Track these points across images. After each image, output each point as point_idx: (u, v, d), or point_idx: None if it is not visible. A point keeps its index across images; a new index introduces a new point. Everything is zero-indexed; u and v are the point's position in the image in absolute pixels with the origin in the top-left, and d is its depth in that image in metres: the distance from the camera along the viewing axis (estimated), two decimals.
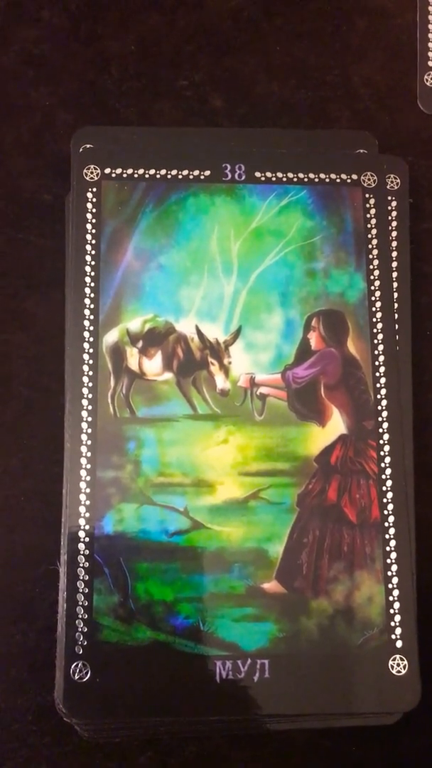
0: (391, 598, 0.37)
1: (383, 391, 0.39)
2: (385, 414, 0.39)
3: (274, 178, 0.41)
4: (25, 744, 0.37)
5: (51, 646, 0.36)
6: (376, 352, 0.39)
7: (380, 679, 0.36)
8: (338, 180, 0.41)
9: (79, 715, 0.35)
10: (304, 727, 0.38)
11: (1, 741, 0.37)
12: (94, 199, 0.40)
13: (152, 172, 0.40)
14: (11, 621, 0.38)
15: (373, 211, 0.41)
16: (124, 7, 0.45)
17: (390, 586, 0.37)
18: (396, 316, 0.40)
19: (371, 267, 0.40)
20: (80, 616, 0.35)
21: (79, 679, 0.35)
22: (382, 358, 0.39)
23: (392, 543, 0.37)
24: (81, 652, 0.35)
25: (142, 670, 0.35)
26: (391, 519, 0.37)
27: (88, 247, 0.39)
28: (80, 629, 0.35)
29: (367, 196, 0.41)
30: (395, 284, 0.40)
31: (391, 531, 0.37)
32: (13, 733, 0.37)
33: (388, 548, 0.37)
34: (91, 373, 0.38)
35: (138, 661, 0.35)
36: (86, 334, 0.38)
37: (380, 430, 0.38)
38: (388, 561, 0.37)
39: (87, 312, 0.38)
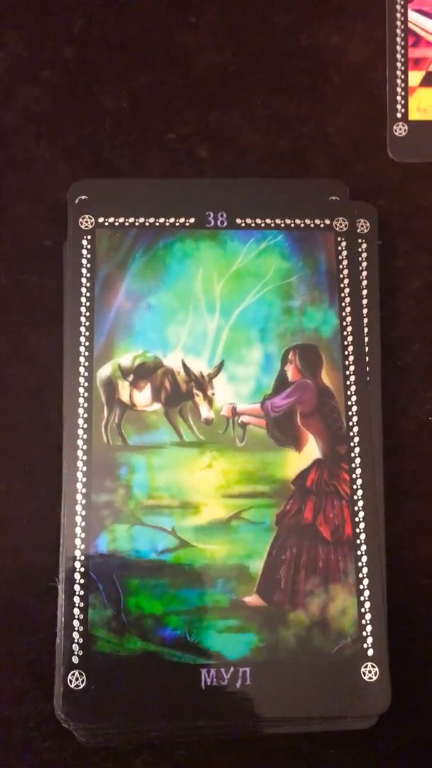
0: (363, 610, 0.39)
1: (355, 419, 0.41)
2: (356, 440, 0.41)
3: (253, 224, 0.43)
4: (27, 749, 0.39)
5: (51, 656, 0.38)
6: (348, 383, 0.42)
7: (353, 684, 0.38)
8: (312, 225, 0.44)
9: (76, 720, 0.37)
10: (286, 731, 0.40)
11: (4, 746, 0.39)
12: (89, 246, 0.42)
13: (142, 220, 0.43)
14: (15, 633, 0.40)
15: (344, 253, 0.43)
16: (118, 66, 0.48)
17: (362, 598, 0.39)
18: (367, 348, 0.42)
19: (343, 304, 0.43)
20: (77, 629, 0.38)
21: (76, 687, 0.37)
22: (353, 388, 0.42)
23: (364, 559, 0.39)
24: (77, 661, 0.37)
25: (134, 678, 0.37)
26: (363, 536, 0.40)
27: (83, 290, 0.42)
28: (77, 641, 0.37)
29: (339, 239, 0.43)
30: (366, 319, 0.43)
31: (363, 548, 0.39)
32: (15, 739, 0.40)
33: (360, 563, 0.39)
34: (86, 404, 0.40)
35: (130, 669, 0.37)
36: (81, 369, 0.41)
37: (352, 455, 0.41)
38: (360, 575, 0.39)
39: (82, 349, 0.41)
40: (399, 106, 0.48)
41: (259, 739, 0.40)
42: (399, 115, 0.48)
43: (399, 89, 0.49)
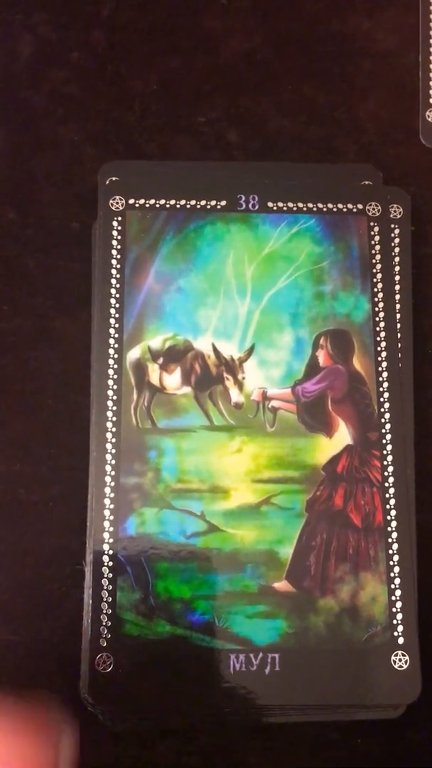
0: (393, 598, 0.38)
1: (386, 405, 0.41)
2: (388, 426, 0.41)
3: (285, 208, 0.43)
4: None
5: (76, 640, 0.38)
6: (379, 369, 0.41)
7: (383, 673, 0.37)
8: (345, 209, 0.43)
9: (103, 703, 0.37)
10: (313, 719, 0.39)
11: None
12: (119, 227, 0.42)
13: (173, 202, 0.43)
14: (40, 617, 0.40)
15: (377, 238, 0.43)
16: (147, 50, 0.48)
17: (392, 586, 0.38)
18: (399, 335, 0.42)
19: (375, 290, 0.42)
20: (104, 612, 0.37)
21: (103, 670, 0.37)
22: (385, 374, 0.41)
23: (395, 546, 0.39)
24: (105, 644, 0.37)
25: (161, 662, 0.37)
26: (394, 524, 0.39)
27: (113, 272, 0.41)
28: (104, 623, 0.37)
29: (371, 224, 0.43)
30: (398, 305, 0.42)
31: (394, 535, 0.39)
32: None
33: (390, 551, 0.39)
34: (115, 387, 0.40)
35: (158, 653, 0.37)
36: (111, 351, 0.40)
37: (383, 441, 0.40)
38: (391, 563, 0.39)
39: (112, 331, 0.41)
40: None
41: (285, 727, 0.40)
42: None
43: None
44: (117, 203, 0.43)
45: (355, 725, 0.40)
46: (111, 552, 0.38)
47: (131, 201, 0.43)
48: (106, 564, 0.38)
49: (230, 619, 0.38)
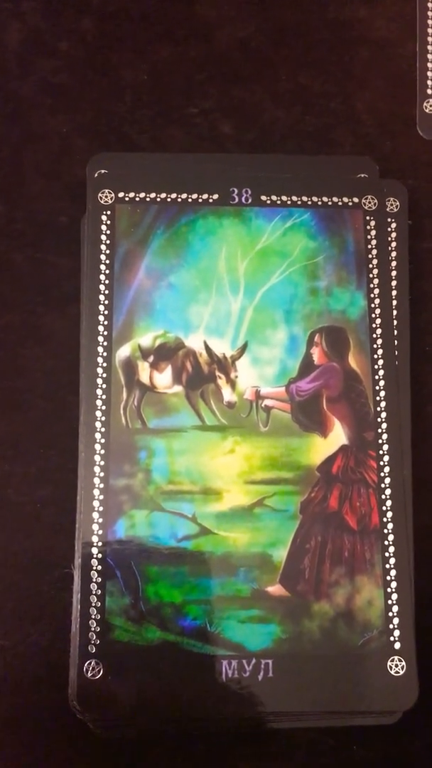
0: (390, 602, 0.38)
1: (383, 404, 0.40)
2: (384, 426, 0.40)
3: (279, 202, 0.42)
4: (41, 740, 0.38)
5: (65, 645, 0.37)
6: (376, 367, 0.40)
7: (379, 679, 0.37)
8: (340, 203, 0.42)
9: (92, 711, 0.36)
10: (307, 726, 0.39)
11: (17, 737, 0.39)
12: (109, 222, 0.41)
13: (163, 195, 0.42)
14: (28, 621, 0.39)
15: (373, 232, 0.42)
16: (138, 38, 0.47)
17: (389, 590, 0.38)
18: (396, 332, 0.41)
19: (371, 285, 0.41)
20: (93, 617, 0.37)
21: (92, 677, 0.36)
22: (381, 372, 0.40)
23: (391, 549, 0.38)
24: (94, 650, 0.36)
25: (152, 669, 0.36)
26: (390, 526, 0.38)
27: (103, 267, 0.41)
28: (93, 629, 0.36)
29: (367, 218, 0.42)
30: (395, 302, 0.42)
31: (390, 537, 0.38)
32: (29, 730, 0.39)
33: (387, 554, 0.38)
34: (104, 386, 0.39)
35: (148, 659, 0.36)
36: (100, 349, 0.40)
37: (380, 441, 0.40)
38: (387, 566, 0.38)
39: (101, 328, 0.40)
40: (429, 82, 0.47)
41: (280, 733, 0.39)
42: (429, 92, 0.47)
43: (429, 65, 0.47)
44: (106, 197, 0.42)
45: (351, 732, 0.39)
46: (100, 555, 0.37)
47: (121, 194, 0.42)
48: (95, 568, 0.37)
49: (222, 625, 0.37)
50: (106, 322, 0.40)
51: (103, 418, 0.39)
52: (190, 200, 0.42)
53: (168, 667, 0.36)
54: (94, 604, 0.37)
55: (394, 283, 0.42)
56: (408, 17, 0.48)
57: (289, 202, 0.42)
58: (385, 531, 0.39)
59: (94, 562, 0.37)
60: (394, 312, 0.42)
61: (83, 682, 0.36)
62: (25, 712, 0.39)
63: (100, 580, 0.37)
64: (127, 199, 0.42)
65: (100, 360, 0.40)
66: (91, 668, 0.36)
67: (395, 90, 0.47)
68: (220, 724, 0.38)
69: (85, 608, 0.37)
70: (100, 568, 0.37)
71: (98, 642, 0.36)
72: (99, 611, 0.37)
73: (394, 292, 0.42)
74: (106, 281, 0.41)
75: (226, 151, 0.45)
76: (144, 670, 0.36)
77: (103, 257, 0.41)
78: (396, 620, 0.38)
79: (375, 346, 0.41)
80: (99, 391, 0.39)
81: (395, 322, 0.42)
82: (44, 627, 0.39)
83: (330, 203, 0.43)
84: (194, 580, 0.37)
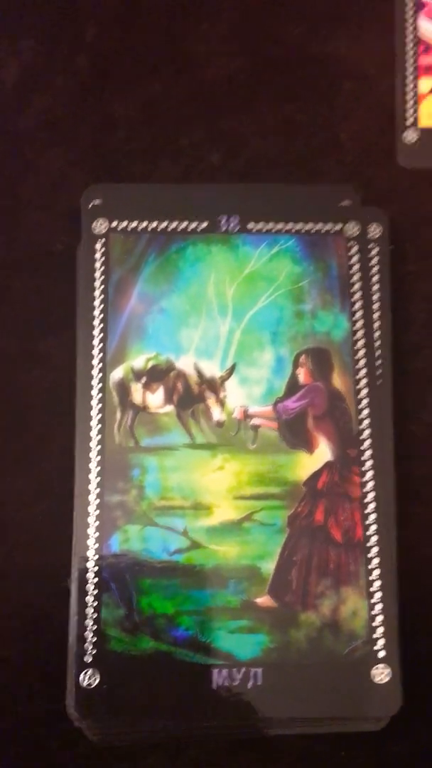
0: (374, 612, 0.39)
1: (366, 422, 0.41)
2: (367, 442, 0.41)
3: (265, 229, 0.44)
4: (38, 748, 0.40)
5: (62, 656, 0.38)
6: (358, 386, 0.42)
7: (364, 686, 0.38)
8: (324, 230, 0.44)
9: (89, 719, 0.37)
10: (297, 732, 0.40)
11: (15, 745, 0.40)
12: (102, 250, 0.43)
13: (155, 224, 0.43)
14: (25, 633, 0.40)
15: (356, 257, 0.43)
16: (130, 74, 0.48)
17: (373, 600, 0.39)
18: (378, 352, 0.42)
19: (354, 308, 0.43)
20: (89, 628, 0.38)
21: (89, 685, 0.37)
22: (364, 391, 0.42)
23: (375, 561, 0.39)
24: (90, 660, 0.37)
25: (146, 677, 0.37)
26: (374, 539, 0.40)
27: (97, 293, 0.42)
28: (89, 639, 0.38)
29: (350, 244, 0.44)
30: (377, 323, 0.43)
31: (374, 550, 0.39)
32: (26, 738, 0.40)
33: (371, 566, 0.39)
34: (99, 406, 0.41)
35: (142, 668, 0.37)
36: (95, 371, 0.41)
37: (363, 458, 0.41)
38: (371, 577, 0.39)
39: (96, 351, 0.41)
40: (409, 114, 0.49)
41: (270, 740, 0.40)
42: (409, 122, 0.49)
43: (409, 97, 0.49)
44: (100, 226, 0.43)
45: (339, 738, 0.40)
46: (95, 569, 0.39)
47: (114, 224, 0.43)
48: (90, 581, 0.39)
49: (213, 635, 0.38)
50: (100, 346, 0.41)
51: (98, 437, 0.40)
52: (180, 228, 0.43)
53: (161, 676, 0.37)
54: (90, 616, 0.38)
55: (376, 305, 0.43)
56: (387, 53, 0.49)
57: (274, 230, 0.44)
58: (369, 544, 0.40)
59: (90, 575, 0.39)
60: (377, 333, 0.43)
61: (80, 691, 0.37)
62: (23, 722, 0.40)
63: (95, 592, 0.38)
64: (120, 228, 0.43)
65: (94, 382, 0.41)
66: (87, 677, 0.37)
67: (376, 121, 0.48)
68: (212, 732, 0.39)
69: (82, 619, 0.38)
70: (95, 580, 0.38)
71: (94, 652, 0.37)
72: (95, 622, 0.38)
73: (376, 315, 0.43)
74: (101, 306, 0.42)
75: (215, 181, 0.47)
76: (138, 678, 0.37)
77: (97, 284, 0.42)
78: (380, 629, 0.38)
79: (358, 366, 0.42)
80: (94, 412, 0.41)
81: (378, 343, 0.43)
82: (41, 639, 0.40)
83: (314, 230, 0.44)
84: (186, 592, 0.38)
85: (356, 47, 0.50)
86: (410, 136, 0.48)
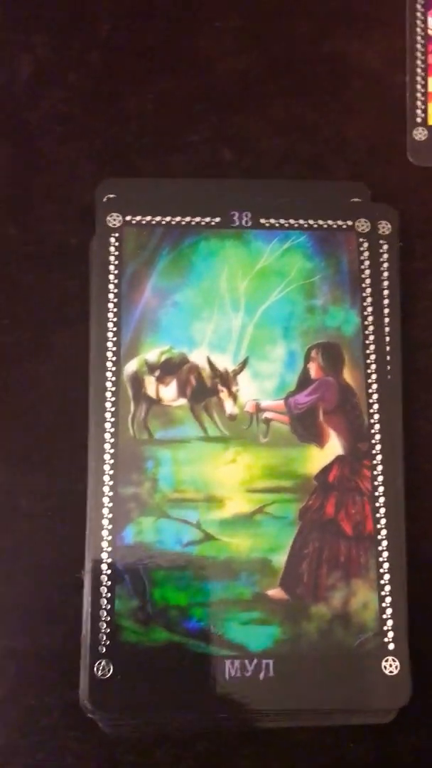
0: (384, 604, 0.39)
1: (376, 416, 0.41)
2: (378, 437, 0.41)
3: (277, 224, 0.44)
4: (53, 738, 0.40)
5: (75, 648, 0.39)
6: (369, 381, 0.42)
7: (374, 678, 0.38)
8: (335, 226, 0.44)
9: (102, 709, 0.37)
10: (306, 725, 0.40)
11: (30, 735, 0.40)
12: (117, 243, 0.43)
13: (168, 219, 0.43)
14: (40, 625, 0.41)
15: (366, 254, 0.44)
16: (142, 70, 0.48)
17: (383, 593, 0.39)
18: (388, 347, 0.43)
19: (365, 304, 0.43)
20: (103, 619, 0.38)
21: (102, 676, 0.37)
22: (375, 386, 0.42)
23: (385, 554, 0.39)
24: (104, 651, 0.37)
25: (159, 668, 0.37)
26: (384, 532, 0.40)
27: (111, 287, 0.42)
28: (103, 630, 0.38)
29: (360, 240, 0.44)
30: (387, 319, 0.43)
31: (384, 543, 0.40)
32: (41, 728, 0.40)
33: (381, 558, 0.39)
34: (113, 399, 0.41)
35: (155, 659, 0.37)
36: (109, 364, 0.41)
37: (374, 452, 0.41)
38: (381, 570, 0.39)
39: (110, 345, 0.41)
40: (419, 111, 0.49)
41: (279, 732, 0.40)
42: (419, 120, 0.49)
43: (419, 94, 0.49)
44: (114, 220, 0.43)
45: (348, 730, 0.41)
46: (109, 561, 0.39)
47: (128, 218, 0.43)
48: (104, 572, 0.39)
49: (225, 626, 0.38)
50: (114, 339, 0.41)
51: (112, 430, 0.40)
52: (193, 223, 0.43)
53: (174, 667, 0.37)
54: (104, 607, 0.38)
55: (386, 301, 0.44)
56: (398, 50, 0.49)
57: (286, 225, 0.44)
58: (379, 537, 0.40)
59: (104, 567, 0.39)
60: (387, 329, 0.43)
61: (94, 682, 0.37)
62: (37, 713, 0.40)
63: (109, 584, 0.38)
64: (134, 222, 0.43)
65: (108, 375, 0.41)
66: (101, 668, 0.37)
67: (386, 118, 0.49)
68: (222, 724, 0.39)
69: (96, 611, 0.38)
70: (109, 572, 0.39)
71: (108, 643, 0.38)
72: (108, 614, 0.38)
73: (386, 310, 0.43)
74: (115, 300, 0.42)
75: (225, 176, 0.47)
76: (151, 669, 0.37)
77: (111, 277, 0.42)
78: (390, 622, 0.39)
79: (368, 361, 0.42)
80: (108, 404, 0.41)
81: (387, 339, 0.43)
82: (55, 630, 0.40)
83: (325, 226, 0.44)
84: (199, 584, 0.39)
85: (366, 45, 0.50)
86: (420, 133, 0.49)
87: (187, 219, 0.44)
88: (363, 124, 0.49)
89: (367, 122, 0.49)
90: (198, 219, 0.44)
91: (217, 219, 0.44)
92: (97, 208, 0.43)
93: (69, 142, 0.47)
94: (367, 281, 0.44)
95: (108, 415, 0.41)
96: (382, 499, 0.40)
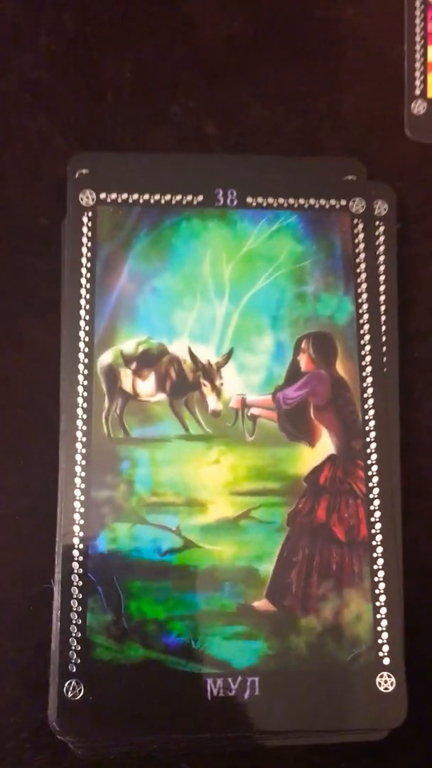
0: (378, 616, 0.37)
1: (371, 412, 0.39)
2: (372, 434, 0.39)
3: (265, 204, 0.41)
4: (19, 762, 0.37)
5: (45, 663, 0.36)
6: (364, 374, 0.40)
7: (368, 695, 0.36)
8: (327, 206, 0.42)
9: (72, 733, 0.35)
10: (294, 743, 0.38)
11: None
12: (90, 224, 0.40)
13: (147, 197, 0.41)
14: (6, 638, 0.38)
15: (361, 236, 0.41)
16: (120, 34, 0.46)
17: (378, 603, 0.37)
18: (384, 338, 0.40)
19: (359, 291, 0.41)
20: (74, 635, 0.36)
21: (73, 697, 0.35)
22: (369, 379, 0.40)
23: (380, 561, 0.37)
24: (74, 670, 0.35)
25: (135, 688, 0.35)
26: (379, 538, 0.38)
27: (84, 271, 0.40)
28: (74, 647, 0.35)
29: (355, 221, 0.42)
30: (383, 307, 0.41)
31: (379, 549, 0.38)
32: (7, 751, 0.38)
33: (375, 566, 0.37)
34: (85, 394, 0.38)
35: (131, 678, 0.35)
36: (81, 355, 0.39)
37: (368, 450, 0.39)
38: (376, 579, 0.37)
39: (82, 334, 0.39)
40: (417, 83, 0.46)
41: (266, 751, 0.38)
42: (417, 92, 0.46)
43: (418, 65, 0.47)
44: (87, 198, 0.41)
45: (338, 748, 0.39)
46: (81, 571, 0.36)
47: (102, 195, 0.41)
48: (75, 583, 0.36)
49: (207, 641, 0.36)
50: (87, 328, 0.39)
51: (85, 428, 0.38)
52: (174, 202, 0.41)
53: (151, 687, 0.35)
54: (74, 622, 0.36)
55: (382, 288, 0.41)
56: (396, 17, 0.47)
57: (275, 205, 0.41)
58: (374, 543, 0.38)
59: (75, 577, 0.36)
60: (383, 318, 0.41)
61: (63, 703, 0.35)
62: (4, 733, 0.38)
63: (81, 596, 0.36)
64: (109, 200, 0.41)
65: (81, 367, 0.39)
66: (71, 688, 0.35)
67: (383, 91, 0.46)
68: (205, 744, 0.37)
69: (66, 626, 0.36)
70: (81, 583, 0.36)
71: (79, 661, 0.35)
72: (80, 629, 0.36)
73: (382, 298, 0.41)
74: (88, 285, 0.40)
75: (210, 152, 0.44)
76: (127, 689, 0.35)
77: (84, 260, 0.40)
78: (385, 635, 0.37)
79: (363, 352, 0.40)
80: (80, 399, 0.38)
81: (383, 328, 0.41)
82: (23, 644, 0.38)
83: (317, 206, 0.42)
84: (178, 596, 0.37)
85: (363, 11, 0.47)
86: (419, 107, 0.46)
87: (167, 197, 0.41)
88: (358, 96, 0.46)
89: (363, 94, 0.46)
90: (179, 197, 0.41)
91: (200, 197, 0.41)
92: (69, 184, 0.41)
93: (39, 112, 0.44)
94: (362, 266, 0.41)
95: (80, 411, 0.38)
96: (377, 502, 0.38)
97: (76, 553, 0.37)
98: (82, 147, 0.43)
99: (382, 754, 0.39)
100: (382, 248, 0.42)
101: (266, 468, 0.38)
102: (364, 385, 0.40)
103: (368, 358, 0.40)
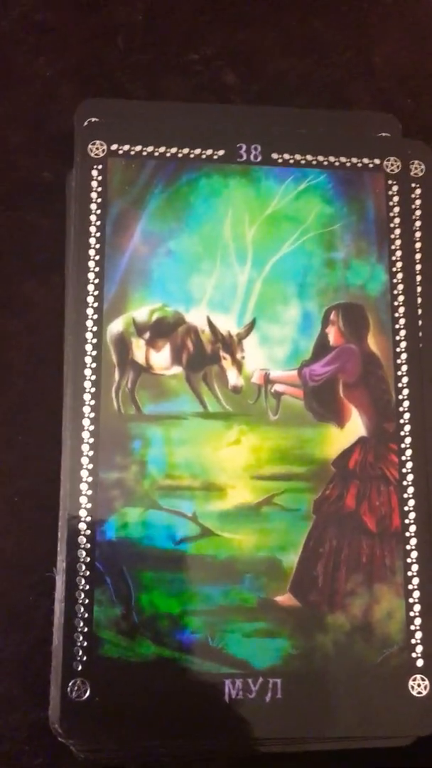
0: (412, 614, 0.35)
1: (405, 391, 0.37)
2: (407, 416, 0.37)
3: (292, 161, 0.39)
4: (17, 765, 0.35)
5: (45, 658, 0.34)
6: (398, 349, 0.38)
7: (399, 700, 0.34)
8: (360, 164, 0.40)
9: (76, 737, 0.33)
10: (315, 749, 0.36)
11: None
12: (100, 177, 0.38)
13: (162, 149, 0.39)
14: (3, 631, 0.36)
15: (396, 198, 0.39)
16: None
17: (411, 600, 0.35)
18: (420, 310, 0.38)
19: (394, 258, 0.39)
20: (79, 629, 0.34)
21: (77, 698, 0.33)
22: (404, 355, 0.38)
23: (414, 554, 0.36)
24: (80, 668, 0.33)
25: (146, 689, 0.33)
26: (413, 528, 0.36)
27: (92, 229, 0.38)
28: (79, 643, 0.34)
29: (389, 182, 0.39)
30: (419, 277, 0.39)
31: (413, 541, 0.36)
32: (3, 753, 0.35)
33: (409, 560, 0.36)
34: (93, 365, 0.36)
35: (141, 678, 0.33)
36: (89, 323, 0.37)
37: (402, 433, 0.37)
38: (410, 573, 0.36)
39: (90, 299, 0.37)
40: None
41: (284, 756, 0.36)
42: None
43: None
44: (97, 149, 0.38)
45: (361, 753, 0.36)
46: (87, 559, 0.34)
47: (114, 147, 0.38)
48: (81, 573, 0.34)
49: (225, 639, 0.34)
50: (96, 293, 0.37)
51: (92, 402, 0.36)
52: (192, 156, 0.39)
53: (164, 688, 0.33)
54: (80, 615, 0.34)
55: (418, 256, 0.39)
56: None
57: (303, 162, 0.39)
58: (407, 534, 0.36)
59: (81, 566, 0.34)
60: (419, 288, 0.39)
61: (67, 704, 0.33)
62: (0, 733, 0.35)
63: (87, 587, 0.34)
64: (121, 152, 0.38)
65: (88, 335, 0.37)
66: (76, 688, 0.33)
67: (418, 42, 0.44)
68: (220, 750, 0.35)
69: (70, 619, 0.34)
70: (87, 573, 0.34)
71: (84, 658, 0.33)
72: (86, 623, 0.34)
73: (418, 267, 0.39)
74: (97, 245, 0.37)
75: (229, 104, 0.42)
76: (136, 690, 0.33)
77: (93, 218, 0.38)
78: (419, 634, 0.35)
79: (397, 326, 0.38)
80: (87, 371, 0.36)
81: (419, 300, 0.39)
82: (22, 638, 0.36)
83: (348, 164, 0.40)
84: (194, 588, 0.35)
85: None
86: None
87: (185, 151, 0.39)
88: (391, 48, 0.44)
89: (397, 46, 0.44)
90: (198, 151, 0.39)
91: (221, 152, 0.39)
92: (77, 134, 0.39)
93: (44, 55, 0.42)
94: (397, 231, 0.39)
95: (87, 384, 0.36)
96: (411, 489, 0.37)
97: (82, 539, 0.34)
98: (89, 95, 0.41)
99: (409, 760, 0.37)
100: (418, 212, 0.40)
101: (291, 450, 0.37)
102: (398, 361, 0.38)
103: (402, 333, 0.38)
